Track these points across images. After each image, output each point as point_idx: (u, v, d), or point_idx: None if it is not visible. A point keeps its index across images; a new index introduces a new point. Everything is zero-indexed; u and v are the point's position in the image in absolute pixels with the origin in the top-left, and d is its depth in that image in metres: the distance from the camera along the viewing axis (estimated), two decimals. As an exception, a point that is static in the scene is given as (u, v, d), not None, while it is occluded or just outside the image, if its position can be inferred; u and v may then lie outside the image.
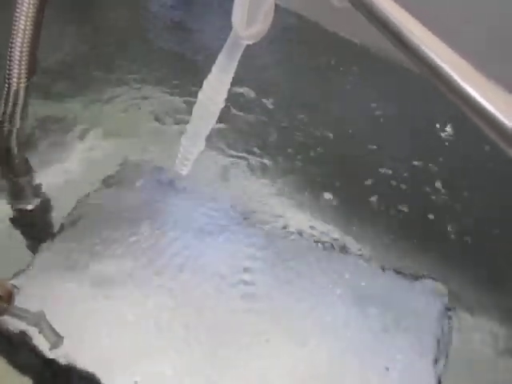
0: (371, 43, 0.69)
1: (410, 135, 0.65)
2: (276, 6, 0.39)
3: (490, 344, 0.48)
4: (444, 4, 0.60)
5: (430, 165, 0.61)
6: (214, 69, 0.41)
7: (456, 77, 0.31)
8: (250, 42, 0.39)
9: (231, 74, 0.41)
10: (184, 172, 0.46)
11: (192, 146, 0.45)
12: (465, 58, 0.32)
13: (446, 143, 0.64)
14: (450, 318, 0.49)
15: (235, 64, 0.41)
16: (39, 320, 0.44)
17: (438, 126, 0.65)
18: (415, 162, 0.61)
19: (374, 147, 0.62)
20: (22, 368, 0.44)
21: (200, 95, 0.42)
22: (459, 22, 0.58)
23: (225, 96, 0.42)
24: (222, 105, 0.42)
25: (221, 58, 0.41)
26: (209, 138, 0.45)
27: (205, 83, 0.42)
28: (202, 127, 0.43)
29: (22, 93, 0.56)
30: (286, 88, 0.68)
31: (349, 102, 0.67)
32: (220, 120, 0.44)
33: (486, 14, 0.59)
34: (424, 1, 0.44)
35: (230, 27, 0.39)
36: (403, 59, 0.34)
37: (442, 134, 0.64)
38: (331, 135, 0.63)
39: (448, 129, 0.65)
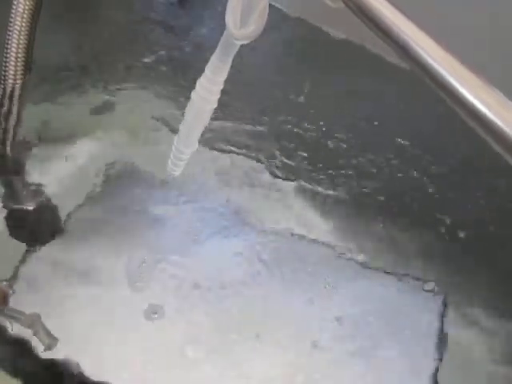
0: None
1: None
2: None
3: (486, 345, 0.48)
4: (440, 5, 0.60)
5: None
6: (207, 69, 0.40)
7: (451, 79, 0.31)
8: (244, 42, 0.39)
9: (224, 75, 0.41)
10: (176, 173, 0.46)
11: (184, 147, 0.44)
12: (461, 60, 0.31)
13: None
14: (446, 318, 0.48)
15: (229, 64, 0.40)
16: (34, 322, 0.44)
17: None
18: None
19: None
20: (13, 370, 0.44)
21: (193, 95, 0.42)
22: (456, 22, 0.57)
23: (218, 96, 0.41)
24: (214, 105, 0.42)
25: (214, 59, 0.40)
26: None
27: (198, 83, 0.41)
28: (195, 127, 0.43)
29: (17, 93, 0.56)
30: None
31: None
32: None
33: (484, 15, 0.59)
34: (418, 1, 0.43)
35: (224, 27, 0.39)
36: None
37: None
38: (327, 134, 0.63)
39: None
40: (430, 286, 0.50)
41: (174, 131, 0.43)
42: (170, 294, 0.48)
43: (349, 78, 0.67)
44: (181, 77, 0.66)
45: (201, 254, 0.51)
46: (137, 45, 0.69)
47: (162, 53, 0.69)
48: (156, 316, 0.47)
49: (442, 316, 0.48)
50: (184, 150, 0.44)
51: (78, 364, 0.44)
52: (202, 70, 0.41)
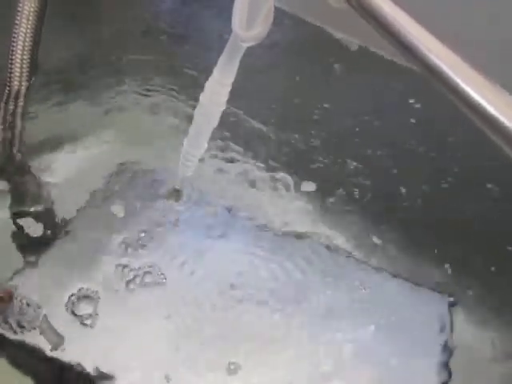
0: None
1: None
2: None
3: (492, 345, 0.48)
4: (442, 4, 0.60)
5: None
6: (215, 71, 0.41)
7: (457, 78, 0.31)
8: (250, 44, 0.39)
9: (232, 76, 0.41)
10: (188, 174, 0.47)
11: (194, 149, 0.45)
12: (466, 59, 0.32)
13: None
14: (452, 318, 0.49)
15: (236, 66, 0.41)
16: (40, 321, 0.44)
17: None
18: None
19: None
20: (23, 369, 0.44)
21: (201, 98, 0.42)
22: (458, 22, 0.58)
23: (226, 98, 0.42)
24: (223, 107, 0.42)
25: (222, 61, 0.41)
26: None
27: (206, 86, 0.42)
28: (204, 129, 0.44)
29: (23, 94, 0.56)
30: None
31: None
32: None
33: (485, 13, 0.59)
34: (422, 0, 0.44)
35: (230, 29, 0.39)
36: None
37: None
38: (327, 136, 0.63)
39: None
40: (438, 285, 0.51)
41: (183, 132, 0.44)
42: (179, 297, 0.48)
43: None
44: (188, 77, 0.66)
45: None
46: (142, 45, 0.69)
47: (169, 53, 0.69)
48: (160, 319, 0.47)
49: (448, 316, 0.49)
50: (194, 152, 0.45)
51: (83, 363, 0.44)
52: (210, 72, 0.42)
